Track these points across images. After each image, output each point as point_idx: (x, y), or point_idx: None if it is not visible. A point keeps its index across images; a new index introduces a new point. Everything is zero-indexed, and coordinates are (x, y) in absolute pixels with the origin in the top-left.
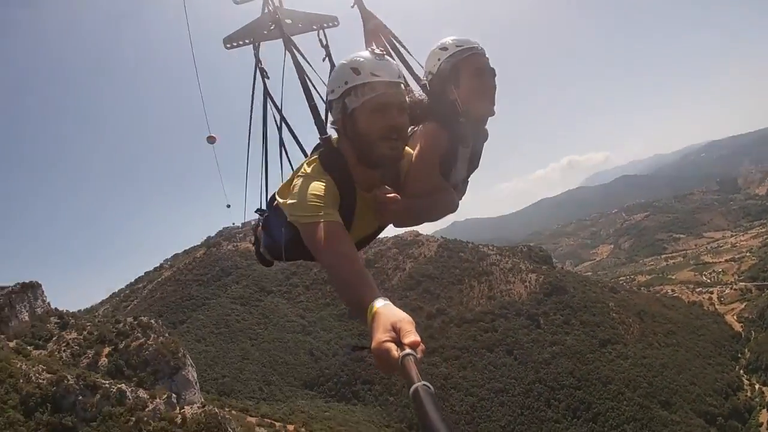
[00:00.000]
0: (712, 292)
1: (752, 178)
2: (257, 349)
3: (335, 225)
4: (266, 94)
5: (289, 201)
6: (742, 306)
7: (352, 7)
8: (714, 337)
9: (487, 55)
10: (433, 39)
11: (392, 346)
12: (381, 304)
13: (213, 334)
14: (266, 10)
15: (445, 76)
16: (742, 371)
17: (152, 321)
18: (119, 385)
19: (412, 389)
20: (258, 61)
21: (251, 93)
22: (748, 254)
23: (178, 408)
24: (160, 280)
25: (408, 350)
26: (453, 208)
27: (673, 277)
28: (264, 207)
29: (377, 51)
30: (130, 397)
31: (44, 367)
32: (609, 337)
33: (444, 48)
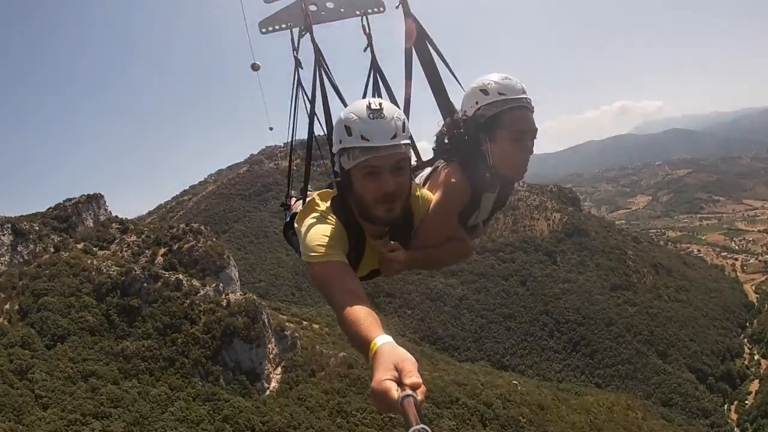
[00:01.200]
0: (737, 259)
1: None
2: (291, 258)
3: (341, 265)
4: (299, 84)
5: (301, 241)
6: (763, 278)
7: (397, 7)
8: (726, 302)
9: (532, 108)
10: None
11: (392, 386)
12: (383, 342)
13: (252, 243)
14: None
15: (480, 123)
16: (746, 339)
17: (201, 227)
18: (177, 275)
19: None
20: (294, 49)
21: (292, 82)
22: None
23: (224, 294)
24: (204, 193)
25: (408, 391)
26: (466, 257)
27: (703, 238)
28: (288, 202)
29: (374, 105)
30: (186, 285)
31: (113, 262)
32: (620, 283)
33: (485, 91)
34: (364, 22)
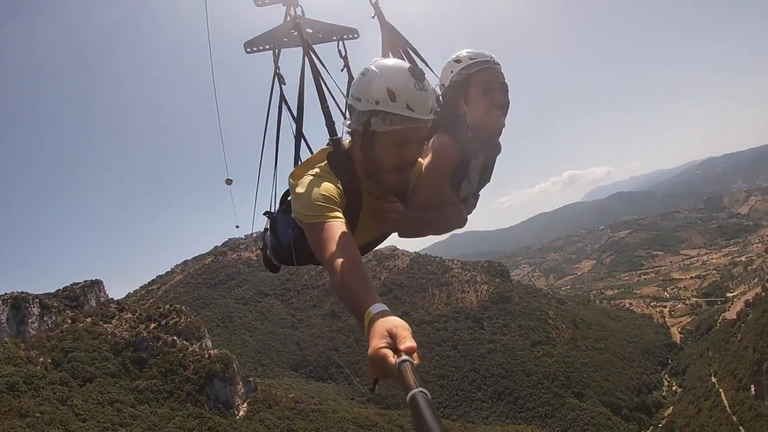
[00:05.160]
0: (665, 306)
1: (737, 197)
2: (254, 339)
3: (340, 227)
4: (282, 99)
5: (297, 199)
6: (689, 320)
7: (373, 17)
8: (646, 344)
9: (500, 69)
10: (450, 50)
11: (389, 353)
12: (377, 310)
13: (218, 327)
14: (288, 18)
15: (456, 89)
16: (666, 375)
17: (183, 307)
18: (172, 337)
19: (409, 395)
20: (276, 66)
21: (269, 99)
22: (714, 272)
23: (206, 350)
24: (173, 282)
25: (405, 356)
26: (461, 222)
27: (638, 292)
28: (273, 210)
29: (418, 74)
30: (179, 343)
31: (123, 329)
32: (540, 339)
33: (458, 60)
34: (341, 47)
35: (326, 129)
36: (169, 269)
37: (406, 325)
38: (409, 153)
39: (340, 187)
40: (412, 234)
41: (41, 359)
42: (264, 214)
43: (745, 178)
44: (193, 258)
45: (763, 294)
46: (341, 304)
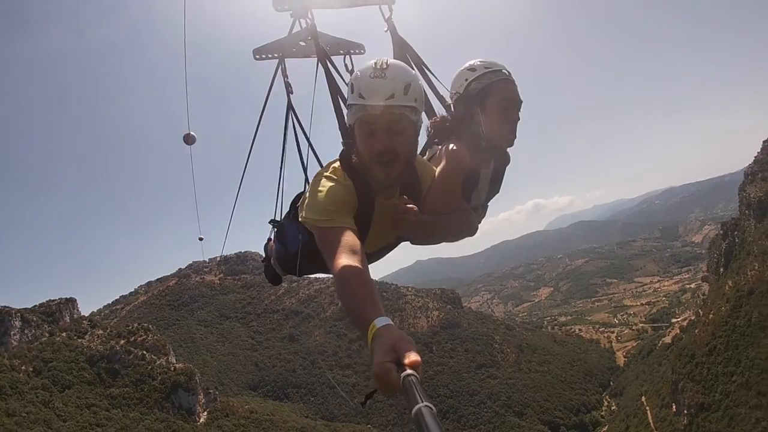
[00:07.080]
0: (612, 332)
1: (692, 227)
2: (215, 360)
3: (349, 233)
4: (289, 107)
5: (308, 201)
6: (635, 344)
7: (386, 31)
8: (589, 367)
9: (516, 83)
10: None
11: (392, 368)
12: (382, 324)
13: (181, 347)
14: (298, 28)
15: (471, 97)
16: (606, 395)
17: (150, 326)
18: (142, 351)
19: (414, 410)
20: (284, 75)
21: (262, 107)
22: (663, 298)
23: (171, 364)
24: (137, 303)
25: (409, 371)
26: (472, 230)
27: (589, 318)
28: (277, 219)
29: (380, 64)
30: (147, 357)
31: (96, 343)
32: (485, 362)
33: (472, 69)
34: (347, 61)
35: (339, 132)
36: (133, 290)
37: (410, 339)
38: (379, 141)
39: (352, 190)
40: (424, 240)
41: (23, 367)
42: (270, 222)
43: (703, 208)
44: (157, 279)
45: (695, 319)
46: (345, 312)
